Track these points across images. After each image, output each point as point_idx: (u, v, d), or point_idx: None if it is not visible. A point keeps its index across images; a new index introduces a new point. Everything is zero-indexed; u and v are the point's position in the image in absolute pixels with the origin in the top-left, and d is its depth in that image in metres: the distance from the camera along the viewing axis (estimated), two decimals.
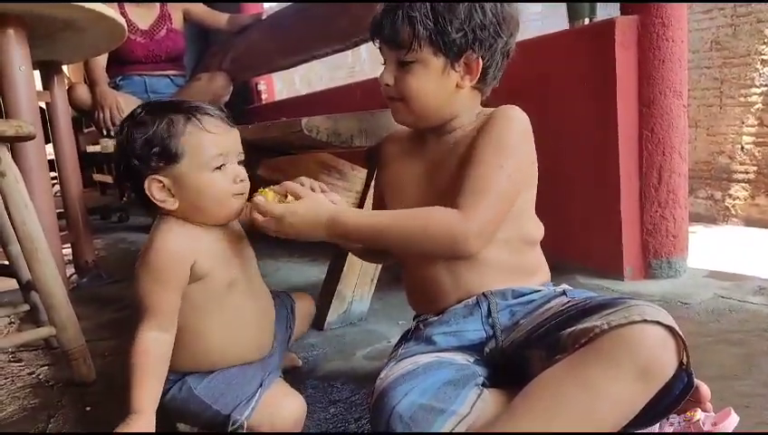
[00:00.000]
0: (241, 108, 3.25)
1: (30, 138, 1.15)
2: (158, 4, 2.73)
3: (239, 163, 0.86)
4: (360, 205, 1.40)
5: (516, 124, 0.82)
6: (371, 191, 1.38)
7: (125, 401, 0.78)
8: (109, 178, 4.67)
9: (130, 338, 0.80)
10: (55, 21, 1.59)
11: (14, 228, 1.14)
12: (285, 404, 0.84)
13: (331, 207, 0.83)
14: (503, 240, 0.83)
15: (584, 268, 1.58)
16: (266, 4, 3.74)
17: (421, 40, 0.79)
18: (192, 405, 0.85)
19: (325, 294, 1.41)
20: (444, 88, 0.83)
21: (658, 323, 0.64)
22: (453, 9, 0.78)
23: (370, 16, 1.82)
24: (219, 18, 2.85)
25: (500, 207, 0.79)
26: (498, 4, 0.81)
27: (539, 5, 5.74)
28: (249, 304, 0.90)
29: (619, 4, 1.51)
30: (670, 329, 0.64)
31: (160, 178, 0.81)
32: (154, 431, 0.77)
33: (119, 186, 4.37)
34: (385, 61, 0.85)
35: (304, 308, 1.10)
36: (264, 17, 2.73)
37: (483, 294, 0.83)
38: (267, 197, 0.83)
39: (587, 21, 1.59)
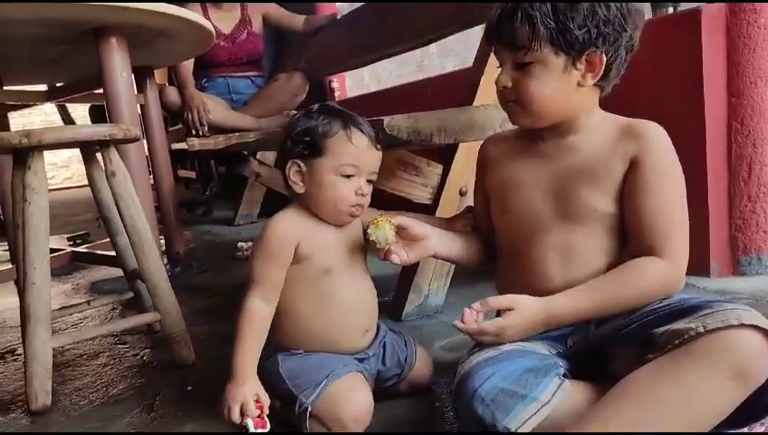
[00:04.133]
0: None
1: (135, 140, 1.26)
2: (239, 10, 2.86)
3: (369, 182, 0.94)
4: (436, 200, 1.43)
5: (671, 145, 0.82)
6: (447, 186, 1.42)
7: (227, 369, 0.88)
8: (192, 174, 4.94)
9: (239, 306, 0.91)
10: (152, 30, 1.71)
11: (122, 222, 1.25)
12: (348, 398, 0.87)
13: (540, 305, 0.81)
14: (619, 251, 0.84)
15: None
16: (339, 4, 3.82)
17: (541, 39, 0.77)
18: (276, 379, 0.92)
19: (402, 285, 1.45)
20: (564, 88, 0.81)
21: (756, 327, 0.64)
22: (575, 6, 0.77)
23: (445, 14, 1.83)
24: (296, 20, 2.94)
25: (688, 234, 0.81)
26: (624, 5, 0.79)
27: None
28: (342, 294, 0.95)
29: None
30: (767, 333, 0.64)
31: (301, 163, 0.92)
32: (259, 391, 0.89)
33: (202, 181, 4.62)
34: (501, 63, 0.85)
35: (418, 375, 1.04)
36: (338, 18, 2.81)
37: None
38: (381, 225, 0.87)
39: (671, 10, 1.54)
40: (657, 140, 0.81)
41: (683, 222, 0.80)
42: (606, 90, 0.86)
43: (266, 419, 0.87)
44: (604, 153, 0.82)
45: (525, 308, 0.81)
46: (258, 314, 0.91)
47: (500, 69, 0.85)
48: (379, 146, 0.94)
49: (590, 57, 0.79)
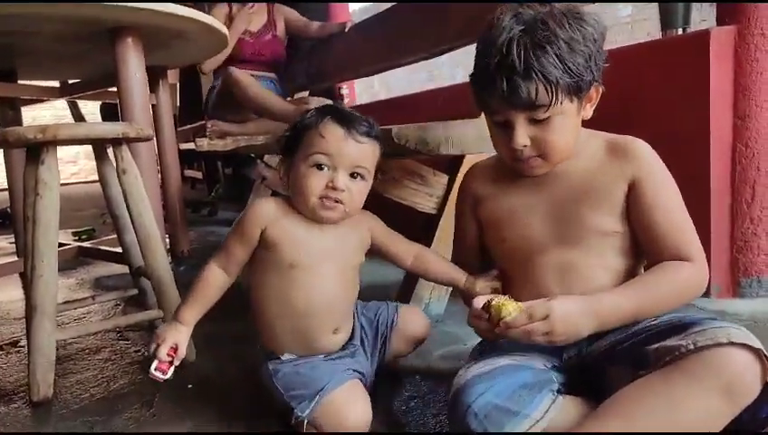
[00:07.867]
0: None
1: (147, 139, 1.28)
2: (266, 13, 2.96)
3: (353, 176, 0.91)
4: (441, 209, 1.45)
5: (659, 159, 0.86)
6: (452, 196, 1.43)
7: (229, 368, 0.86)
8: (199, 174, 4.97)
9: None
10: (168, 31, 1.74)
11: (131, 220, 1.27)
12: (346, 412, 0.87)
13: (582, 298, 0.79)
14: (622, 266, 0.86)
15: None
16: (352, 12, 3.85)
17: (561, 93, 0.78)
18: (271, 388, 0.94)
19: (403, 294, 1.46)
20: (577, 126, 0.86)
21: (745, 345, 0.65)
22: (574, 49, 0.78)
23: (456, 25, 1.84)
24: (311, 26, 3.02)
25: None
26: (594, 25, 0.81)
27: (629, 8, 5.56)
28: (303, 291, 0.93)
29: (715, 13, 1.47)
30: (757, 352, 0.66)
31: (286, 160, 0.97)
32: (186, 340, 0.95)
33: (208, 182, 4.65)
34: (509, 123, 0.83)
35: (410, 327, 1.07)
36: (349, 26, 2.83)
37: None
38: (509, 307, 0.78)
39: (680, 31, 1.56)
40: (650, 158, 0.85)
41: (693, 228, 0.84)
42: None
43: (170, 369, 0.91)
44: (599, 173, 0.86)
45: (565, 298, 0.78)
46: (212, 277, 0.96)
47: (500, 125, 0.85)
48: (364, 139, 0.90)
49: (590, 90, 0.84)
